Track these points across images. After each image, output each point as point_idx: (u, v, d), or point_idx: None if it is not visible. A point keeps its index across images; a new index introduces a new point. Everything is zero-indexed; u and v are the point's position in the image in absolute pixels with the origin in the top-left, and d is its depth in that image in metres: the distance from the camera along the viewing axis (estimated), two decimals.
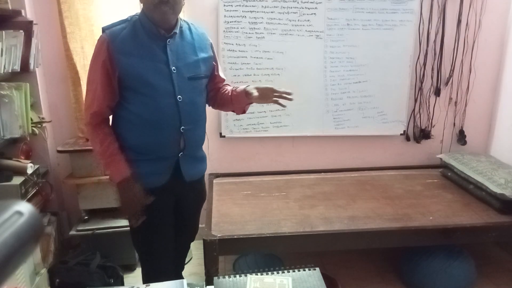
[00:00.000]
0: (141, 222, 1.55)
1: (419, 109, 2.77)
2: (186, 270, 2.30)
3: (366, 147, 2.82)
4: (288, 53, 2.53)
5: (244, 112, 1.72)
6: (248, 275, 1.18)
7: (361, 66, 2.61)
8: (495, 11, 2.63)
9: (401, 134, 2.79)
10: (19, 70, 2.07)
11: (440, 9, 2.59)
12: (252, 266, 2.27)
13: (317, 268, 1.23)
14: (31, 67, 2.18)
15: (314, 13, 2.49)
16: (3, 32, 1.93)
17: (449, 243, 2.15)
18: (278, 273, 1.20)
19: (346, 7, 2.50)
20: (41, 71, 2.40)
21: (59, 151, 2.32)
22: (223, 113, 2.57)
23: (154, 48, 1.51)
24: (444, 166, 2.69)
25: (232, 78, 2.48)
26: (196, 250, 2.58)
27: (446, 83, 2.73)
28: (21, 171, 2.11)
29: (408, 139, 2.83)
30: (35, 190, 2.19)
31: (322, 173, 2.72)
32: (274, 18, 2.47)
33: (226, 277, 1.19)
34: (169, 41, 1.52)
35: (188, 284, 1.16)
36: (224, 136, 2.64)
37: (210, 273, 1.85)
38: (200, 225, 1.97)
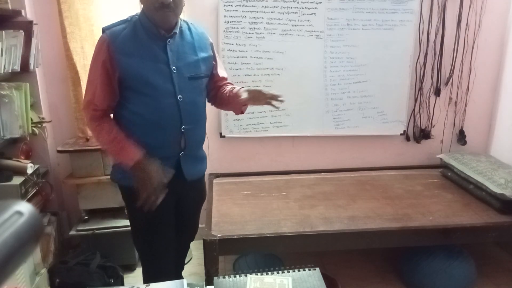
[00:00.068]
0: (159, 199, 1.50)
1: (419, 109, 2.77)
2: (186, 270, 2.30)
3: (366, 147, 2.82)
4: (288, 53, 2.53)
5: (242, 112, 1.71)
6: (248, 275, 1.18)
7: (361, 66, 2.61)
8: (495, 11, 2.63)
9: (401, 134, 2.79)
10: (19, 70, 2.07)
11: (440, 9, 2.59)
12: (252, 266, 2.27)
13: (317, 268, 1.23)
14: (31, 67, 2.18)
15: (314, 13, 2.49)
16: (3, 32, 1.93)
17: (449, 243, 2.15)
18: (278, 273, 1.20)
19: (346, 7, 2.50)
20: (41, 71, 2.40)
21: (59, 151, 2.32)
22: (223, 113, 2.57)
23: (154, 48, 1.51)
24: (444, 166, 2.69)
25: (232, 78, 2.47)
26: (196, 250, 2.58)
27: (446, 83, 2.73)
28: (21, 171, 2.11)
29: (408, 139, 2.83)
30: (35, 190, 2.19)
31: (322, 173, 2.72)
32: (274, 18, 2.47)
33: (226, 277, 1.19)
34: (169, 41, 1.53)
35: (188, 284, 1.16)
36: (224, 136, 2.64)
37: (210, 273, 1.85)
38: (200, 225, 1.98)
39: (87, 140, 2.38)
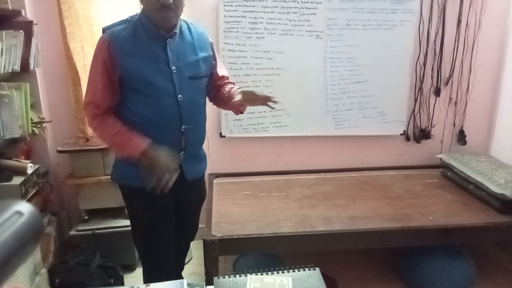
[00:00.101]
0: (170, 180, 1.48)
1: (419, 109, 2.77)
2: (186, 270, 2.30)
3: (366, 147, 2.82)
4: (288, 53, 2.53)
5: (241, 112, 1.71)
6: (248, 275, 1.18)
7: (361, 66, 2.61)
8: (495, 11, 2.63)
9: (401, 134, 2.79)
10: (19, 70, 2.07)
11: (440, 9, 2.59)
12: (252, 266, 2.27)
13: (317, 268, 1.23)
14: (31, 67, 2.18)
15: (314, 13, 2.49)
16: (3, 32, 1.93)
17: (449, 243, 2.15)
18: (278, 273, 1.20)
19: (346, 7, 2.50)
20: (41, 71, 2.40)
21: (59, 151, 2.32)
22: (223, 113, 2.57)
23: (154, 48, 1.52)
24: (444, 166, 2.69)
25: (232, 78, 2.45)
26: (196, 250, 2.58)
27: (446, 83, 2.73)
28: (21, 171, 2.11)
29: (408, 139, 2.83)
30: (35, 190, 2.19)
31: (322, 173, 2.72)
32: (274, 18, 2.47)
33: (226, 277, 1.19)
34: (169, 41, 1.53)
35: (188, 284, 1.16)
36: (224, 136, 2.64)
37: (210, 273, 1.85)
38: (200, 225, 1.98)
39: (87, 140, 2.38)
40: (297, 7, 2.47)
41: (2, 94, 1.98)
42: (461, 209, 2.20)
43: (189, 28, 1.62)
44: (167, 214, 1.70)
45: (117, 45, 1.47)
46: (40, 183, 2.24)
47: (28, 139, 2.22)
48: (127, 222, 2.35)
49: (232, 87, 1.69)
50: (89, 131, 2.48)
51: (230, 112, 2.54)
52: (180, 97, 1.54)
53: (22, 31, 2.08)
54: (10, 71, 2.00)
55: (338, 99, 2.65)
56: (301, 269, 1.22)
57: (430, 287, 2.15)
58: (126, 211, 2.39)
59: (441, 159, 2.74)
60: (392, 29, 2.57)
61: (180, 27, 1.58)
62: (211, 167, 2.45)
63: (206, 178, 1.95)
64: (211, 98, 1.79)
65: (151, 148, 1.47)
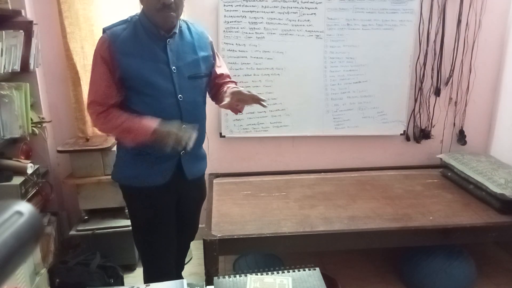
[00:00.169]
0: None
1: (419, 109, 2.77)
2: (186, 270, 2.30)
3: (366, 147, 2.82)
4: (288, 53, 2.53)
5: (239, 111, 1.70)
6: (248, 275, 1.18)
7: (361, 66, 2.61)
8: (495, 11, 2.63)
9: (401, 134, 2.79)
10: (19, 70, 2.07)
11: (440, 9, 2.59)
12: (252, 266, 2.27)
13: (317, 268, 1.23)
14: (31, 67, 2.18)
15: (314, 13, 2.49)
16: (3, 32, 1.93)
17: (449, 243, 2.15)
18: (278, 273, 1.20)
19: (346, 7, 2.50)
20: (41, 71, 2.40)
21: (59, 151, 2.32)
22: (223, 113, 2.57)
23: (154, 48, 1.52)
24: (444, 166, 2.69)
25: (232, 78, 2.47)
26: (196, 250, 2.58)
27: (446, 83, 2.73)
28: (21, 171, 2.11)
29: (408, 139, 2.83)
30: (35, 190, 2.19)
31: (322, 173, 2.72)
32: (274, 18, 2.47)
33: (226, 277, 1.19)
34: (169, 41, 1.53)
35: (188, 284, 1.16)
36: (224, 136, 2.64)
37: (210, 273, 1.85)
38: (200, 225, 1.98)
39: (87, 140, 2.38)
40: (297, 7, 2.47)
41: (2, 94, 1.98)
42: (461, 209, 2.20)
43: (188, 28, 1.62)
44: (167, 214, 1.70)
45: (117, 45, 1.47)
46: (40, 183, 2.24)
47: (28, 139, 2.22)
48: (127, 222, 2.35)
49: (229, 87, 1.67)
50: (89, 131, 2.48)
51: (230, 112, 2.53)
52: (180, 97, 1.54)
53: (22, 31, 2.08)
54: (10, 71, 2.00)
55: (338, 99, 2.65)
56: (301, 269, 1.22)
57: (430, 287, 2.15)
58: (126, 211, 2.39)
59: (441, 159, 2.74)
60: (392, 29, 2.57)
61: (180, 27, 1.58)
62: (211, 167, 2.45)
63: (206, 178, 1.95)
64: (212, 97, 1.79)
65: (161, 125, 1.46)
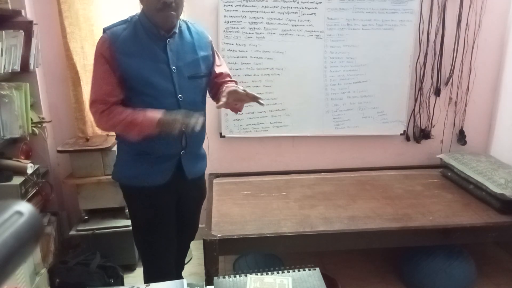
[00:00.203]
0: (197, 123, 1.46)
1: (419, 109, 2.77)
2: (186, 270, 2.30)
3: (366, 147, 2.82)
4: (288, 53, 2.53)
5: (239, 110, 1.70)
6: (248, 275, 1.18)
7: (361, 66, 2.61)
8: (495, 11, 2.63)
9: (401, 134, 2.79)
10: (19, 70, 2.07)
11: (440, 9, 2.59)
12: (252, 266, 2.27)
13: (317, 268, 1.23)
14: (31, 67, 2.18)
15: (314, 13, 2.49)
16: (3, 32, 1.93)
17: (449, 243, 2.15)
18: (278, 273, 1.20)
19: (346, 7, 2.50)
20: (41, 71, 2.40)
21: (59, 151, 2.32)
22: (223, 113, 2.57)
23: (154, 48, 1.52)
24: (444, 166, 2.69)
25: (232, 78, 2.47)
26: (196, 250, 2.58)
27: (446, 83, 2.73)
28: (21, 171, 2.11)
29: (408, 139, 2.83)
30: (35, 190, 2.19)
31: (322, 173, 2.72)
32: (274, 18, 2.47)
33: (226, 277, 1.19)
34: (169, 41, 1.53)
35: (188, 284, 1.16)
36: (224, 136, 2.64)
37: (210, 273, 1.85)
38: (200, 225, 1.98)
39: (87, 140, 2.38)
40: (297, 7, 2.47)
41: (2, 94, 1.98)
42: (461, 209, 2.20)
43: (188, 28, 1.63)
44: (168, 213, 1.70)
45: (118, 45, 1.47)
46: (40, 183, 2.24)
47: (28, 139, 2.22)
48: (127, 222, 2.35)
49: (227, 86, 1.65)
50: (89, 131, 2.48)
51: (230, 112, 2.54)
52: (180, 97, 1.54)
53: (22, 31, 2.08)
54: (10, 71, 2.00)
55: (338, 99, 2.65)
56: (301, 269, 1.22)
57: (430, 287, 2.15)
58: (126, 211, 2.39)
59: (441, 159, 2.74)
60: (392, 29, 2.57)
61: (180, 27, 1.58)
62: (211, 167, 2.45)
63: (206, 178, 1.96)
64: (213, 96, 1.78)
65: (165, 114, 1.46)
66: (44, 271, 2.12)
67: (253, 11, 2.44)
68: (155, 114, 1.45)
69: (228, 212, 2.17)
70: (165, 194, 1.65)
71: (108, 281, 2.08)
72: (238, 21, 2.44)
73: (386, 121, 2.73)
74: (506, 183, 2.19)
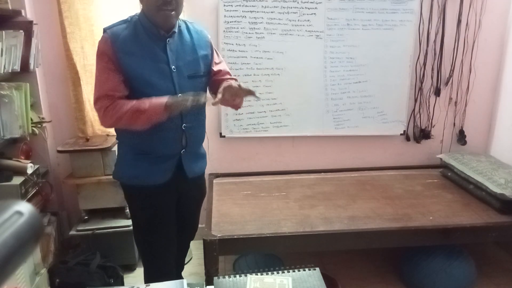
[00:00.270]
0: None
1: (419, 109, 2.77)
2: (186, 270, 2.30)
3: (366, 147, 2.82)
4: (288, 53, 2.53)
5: (238, 107, 1.69)
6: (248, 275, 1.18)
7: (361, 66, 2.61)
8: (495, 11, 2.63)
9: (401, 134, 2.79)
10: (19, 70, 2.07)
11: (440, 9, 2.59)
12: (252, 266, 2.27)
13: (317, 268, 1.23)
14: (31, 67, 2.18)
15: (314, 13, 2.49)
16: (3, 32, 1.93)
17: (449, 243, 2.15)
18: (278, 273, 1.20)
19: (346, 7, 2.50)
20: (41, 71, 2.40)
21: (59, 151, 2.32)
22: (223, 113, 2.57)
23: (154, 48, 1.52)
24: (444, 166, 2.69)
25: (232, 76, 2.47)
26: (196, 250, 2.58)
27: (446, 83, 2.73)
28: (21, 171, 2.11)
29: (408, 139, 2.83)
30: (35, 190, 2.19)
31: (322, 173, 2.72)
32: (274, 18, 2.47)
33: (226, 277, 1.19)
34: (168, 41, 1.53)
35: (188, 284, 1.16)
36: (224, 136, 2.64)
37: (210, 273, 1.85)
38: (200, 225, 1.98)
39: (87, 140, 2.38)
40: (297, 7, 2.47)
41: (2, 94, 1.98)
42: (461, 209, 2.20)
43: (187, 28, 1.63)
44: (168, 213, 1.70)
45: (118, 44, 1.48)
46: (40, 183, 2.23)
47: (28, 139, 2.22)
48: (127, 222, 2.35)
49: (225, 82, 1.62)
50: (89, 131, 2.48)
51: (230, 112, 2.57)
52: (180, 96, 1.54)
53: (22, 31, 2.08)
54: (10, 71, 2.00)
55: (338, 99, 2.65)
56: (301, 269, 1.22)
57: (430, 287, 2.15)
58: (126, 211, 2.39)
59: (441, 159, 2.74)
60: (392, 29, 2.57)
61: (179, 26, 1.58)
62: (211, 167, 2.46)
63: (206, 178, 1.96)
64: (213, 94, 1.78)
65: (172, 98, 1.46)
66: (44, 271, 2.12)
67: (253, 11, 2.44)
68: (161, 99, 1.45)
69: (228, 212, 2.17)
70: (165, 194, 1.65)
71: (108, 281, 2.08)
72: (238, 21, 2.44)
73: (386, 121, 2.73)
74: (506, 183, 2.19)
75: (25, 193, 2.09)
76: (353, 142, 2.79)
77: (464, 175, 2.43)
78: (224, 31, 2.45)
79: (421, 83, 2.72)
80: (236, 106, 1.65)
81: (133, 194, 1.69)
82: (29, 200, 2.12)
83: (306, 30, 2.51)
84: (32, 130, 2.20)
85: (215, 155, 2.66)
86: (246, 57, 2.50)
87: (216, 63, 1.72)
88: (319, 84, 2.61)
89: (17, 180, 2.05)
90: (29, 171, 2.12)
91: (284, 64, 2.54)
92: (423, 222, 2.05)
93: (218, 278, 1.19)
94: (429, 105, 2.78)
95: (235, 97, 1.54)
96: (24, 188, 2.08)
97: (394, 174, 2.71)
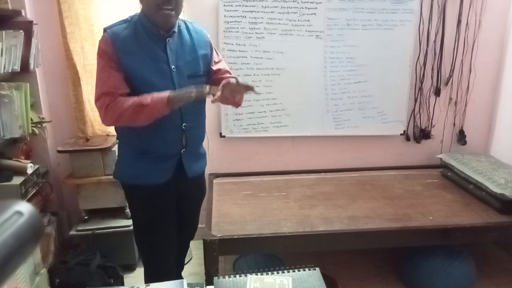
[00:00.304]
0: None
1: (419, 109, 2.77)
2: (186, 270, 2.30)
3: (366, 147, 2.82)
4: (288, 53, 2.53)
5: (239, 104, 1.68)
6: (248, 275, 1.18)
7: (361, 66, 2.61)
8: (495, 11, 2.63)
9: (401, 134, 2.79)
10: (19, 70, 2.07)
11: (440, 9, 2.59)
12: (252, 266, 2.27)
13: (317, 268, 1.23)
14: (31, 67, 2.18)
15: (314, 13, 2.49)
16: (3, 32, 1.93)
17: (449, 243, 2.15)
18: (278, 273, 1.20)
19: (346, 7, 2.50)
20: (41, 71, 2.40)
21: (59, 151, 2.32)
22: (223, 113, 2.57)
23: (154, 48, 1.52)
24: (444, 166, 2.69)
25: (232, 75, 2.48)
26: (196, 250, 2.58)
27: (446, 83, 2.73)
28: (21, 171, 2.11)
29: (408, 139, 2.83)
30: (35, 190, 2.19)
31: (322, 173, 2.72)
32: (274, 18, 2.47)
33: (226, 277, 1.19)
34: (168, 41, 1.54)
35: (188, 284, 1.16)
36: (224, 136, 2.64)
37: (210, 273, 1.85)
38: (200, 225, 1.98)
39: (87, 140, 2.38)
40: (297, 7, 2.47)
41: (2, 94, 1.98)
42: (461, 209, 2.20)
43: (187, 27, 1.63)
44: (168, 213, 1.70)
45: (118, 44, 1.48)
46: (40, 183, 2.23)
47: (28, 139, 2.22)
48: (127, 222, 2.36)
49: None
50: (89, 131, 2.48)
51: (230, 112, 2.57)
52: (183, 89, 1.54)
53: (22, 31, 2.08)
54: (10, 71, 2.00)
55: (338, 99, 2.65)
56: (301, 269, 1.22)
57: (430, 287, 2.15)
58: (126, 211, 2.40)
59: (441, 159, 2.74)
60: (392, 29, 2.56)
61: (179, 26, 1.59)
62: (211, 167, 2.46)
63: (206, 178, 1.96)
64: None
65: (174, 92, 1.46)
66: (44, 271, 2.12)
67: (253, 11, 2.44)
68: (163, 93, 1.45)
69: (228, 212, 2.17)
70: (165, 194, 1.65)
71: (108, 281, 2.08)
72: (238, 21, 2.44)
73: (386, 121, 2.73)
74: (506, 183, 2.19)
75: (25, 193, 2.09)
76: (353, 142, 2.79)
77: (464, 175, 2.43)
78: (224, 31, 2.45)
79: (421, 83, 2.72)
80: (237, 104, 1.65)
81: (134, 194, 1.70)
82: (29, 200, 2.12)
83: (306, 30, 2.51)
84: (32, 130, 2.20)
85: (215, 155, 2.66)
86: (246, 57, 2.50)
87: (216, 62, 1.71)
88: (319, 84, 2.61)
89: (17, 180, 2.05)
90: (29, 171, 2.12)
91: (284, 64, 2.54)
92: (423, 222, 2.05)
93: (218, 278, 1.19)
94: (429, 105, 2.78)
95: (235, 93, 1.53)
96: (24, 188, 2.08)
97: (394, 174, 2.71)
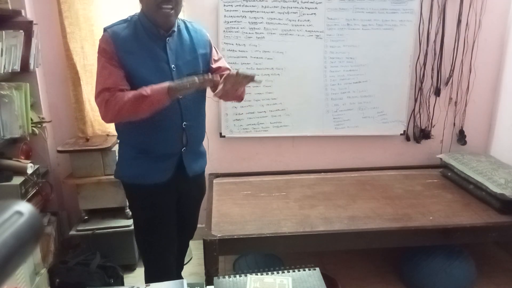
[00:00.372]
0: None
1: (419, 109, 2.77)
2: (186, 270, 2.30)
3: (366, 147, 2.82)
4: (288, 53, 2.53)
5: (241, 97, 1.68)
6: (248, 275, 1.18)
7: (361, 66, 2.61)
8: (495, 11, 2.63)
9: (401, 134, 2.79)
10: (19, 70, 2.07)
11: (440, 9, 2.59)
12: (252, 266, 2.27)
13: (317, 268, 1.23)
14: (31, 67, 2.18)
15: (314, 13, 2.49)
16: (3, 32, 1.93)
17: (449, 243, 2.15)
18: (278, 273, 1.20)
19: (346, 7, 2.50)
20: (41, 71, 2.40)
21: (59, 151, 2.32)
22: (223, 113, 2.57)
23: (154, 48, 1.53)
24: (444, 166, 2.69)
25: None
26: (196, 250, 2.58)
27: (446, 83, 2.73)
28: (21, 171, 2.11)
29: (408, 139, 2.83)
30: (35, 190, 2.19)
31: (322, 173, 2.72)
32: (274, 18, 2.47)
33: (226, 277, 1.19)
34: (168, 40, 1.54)
35: (188, 284, 1.16)
36: (224, 136, 2.64)
37: (210, 273, 1.85)
38: (200, 225, 1.98)
39: (87, 140, 2.38)
40: (297, 7, 2.47)
41: (2, 94, 1.98)
42: (461, 209, 2.20)
43: (186, 27, 1.63)
44: (168, 213, 1.71)
45: (119, 43, 1.48)
46: (40, 183, 2.23)
47: (28, 139, 2.22)
48: (127, 222, 2.36)
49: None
50: (89, 131, 2.48)
51: (230, 112, 2.57)
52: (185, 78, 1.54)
53: (22, 31, 2.08)
54: (10, 71, 2.00)
55: (338, 99, 2.65)
56: (301, 269, 1.22)
57: (430, 287, 2.15)
58: (126, 211, 2.40)
59: (441, 159, 2.74)
60: (392, 29, 2.56)
61: (178, 26, 1.59)
62: (211, 167, 2.46)
63: (206, 177, 1.96)
64: (213, 92, 1.77)
65: (173, 84, 1.45)
66: (44, 271, 2.12)
67: (253, 11, 2.44)
68: (163, 84, 1.44)
69: (228, 212, 2.17)
70: (165, 193, 1.65)
71: (108, 281, 2.08)
72: (238, 21, 2.44)
73: (386, 121, 2.73)
74: (506, 183, 2.19)
75: (25, 193, 2.09)
76: (353, 142, 2.79)
77: (464, 175, 2.43)
78: (224, 31, 2.45)
79: (421, 83, 2.72)
80: (239, 97, 1.66)
81: (134, 194, 1.70)
82: (29, 200, 2.12)
83: (306, 30, 2.51)
84: (32, 130, 2.20)
85: (215, 155, 2.66)
86: (246, 57, 2.50)
87: (215, 60, 1.72)
88: (319, 84, 2.61)
89: (17, 180, 2.05)
90: (29, 171, 2.12)
91: (284, 64, 2.54)
92: (423, 222, 2.05)
93: (218, 278, 1.19)
94: (429, 105, 2.78)
95: (237, 86, 1.53)
96: (24, 188, 2.08)
97: (394, 174, 2.71)
